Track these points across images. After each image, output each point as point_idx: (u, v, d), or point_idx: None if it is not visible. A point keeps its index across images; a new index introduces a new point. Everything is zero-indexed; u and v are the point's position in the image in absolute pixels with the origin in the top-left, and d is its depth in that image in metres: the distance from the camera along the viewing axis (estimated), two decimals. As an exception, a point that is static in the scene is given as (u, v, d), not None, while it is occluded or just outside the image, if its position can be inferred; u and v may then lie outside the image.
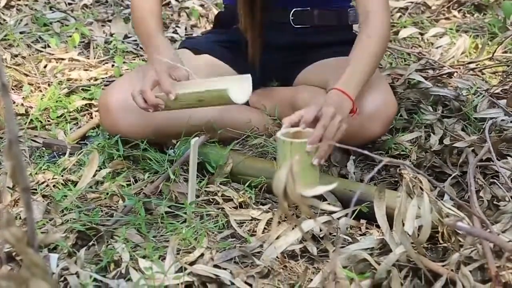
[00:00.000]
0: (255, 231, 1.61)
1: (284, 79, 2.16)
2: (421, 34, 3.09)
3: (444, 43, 2.91)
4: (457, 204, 1.55)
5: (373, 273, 1.39)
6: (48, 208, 1.66)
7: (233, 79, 1.84)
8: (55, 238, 1.38)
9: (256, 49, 2.06)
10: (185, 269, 1.39)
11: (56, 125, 2.14)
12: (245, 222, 1.65)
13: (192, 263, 1.43)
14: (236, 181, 1.83)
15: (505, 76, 2.53)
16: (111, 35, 2.92)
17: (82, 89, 2.38)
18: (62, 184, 1.79)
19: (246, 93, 1.75)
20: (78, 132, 2.08)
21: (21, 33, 2.83)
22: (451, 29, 3.07)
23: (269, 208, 1.69)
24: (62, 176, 1.83)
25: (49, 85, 2.41)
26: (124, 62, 2.62)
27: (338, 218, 1.63)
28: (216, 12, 2.92)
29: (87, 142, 2.05)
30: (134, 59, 2.73)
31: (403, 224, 1.40)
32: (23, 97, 2.30)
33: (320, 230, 1.56)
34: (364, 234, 1.63)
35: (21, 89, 2.35)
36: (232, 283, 1.36)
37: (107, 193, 1.73)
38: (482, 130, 1.99)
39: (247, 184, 1.78)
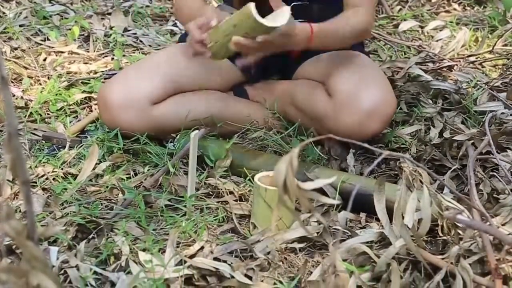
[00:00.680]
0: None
1: (284, 73, 2.16)
2: (421, 27, 3.09)
3: (444, 36, 2.90)
4: (456, 197, 1.55)
5: (372, 266, 1.39)
6: (48, 201, 1.66)
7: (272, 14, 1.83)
8: (55, 231, 1.39)
9: None
10: (185, 262, 1.39)
11: (56, 118, 2.14)
12: (245, 215, 1.65)
13: (192, 256, 1.44)
14: (235, 174, 1.83)
15: (505, 69, 2.52)
16: (111, 28, 2.91)
17: (82, 82, 2.38)
18: (62, 177, 1.79)
19: (281, 20, 1.73)
20: (78, 125, 2.08)
21: (20, 26, 2.83)
22: (451, 22, 3.07)
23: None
24: (62, 169, 1.82)
25: (48, 78, 2.40)
26: (123, 55, 2.62)
27: (338, 211, 1.64)
28: (216, 6, 2.91)
29: (87, 135, 2.04)
30: (134, 52, 2.72)
31: (403, 217, 1.40)
32: (22, 90, 2.29)
33: (320, 224, 1.56)
34: (364, 227, 1.63)
35: (21, 82, 2.35)
36: (232, 276, 1.37)
37: (107, 186, 1.73)
38: (482, 123, 1.99)
39: (248, 178, 1.78)
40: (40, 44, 2.69)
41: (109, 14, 3.06)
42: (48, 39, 2.74)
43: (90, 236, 1.52)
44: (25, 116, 2.11)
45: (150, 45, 2.78)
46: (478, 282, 1.31)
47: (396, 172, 1.85)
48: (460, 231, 1.44)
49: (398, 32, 2.97)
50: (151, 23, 3.02)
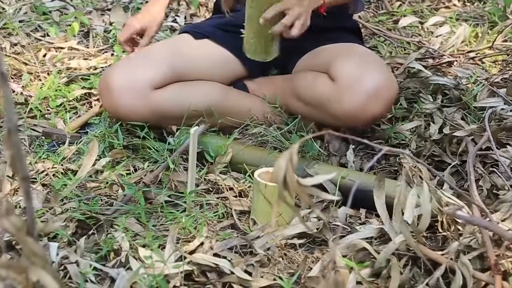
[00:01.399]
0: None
1: (283, 67, 2.16)
2: (421, 23, 3.08)
3: (444, 32, 2.90)
4: (456, 193, 1.55)
5: (372, 262, 1.39)
6: (48, 197, 1.66)
7: None
8: (54, 227, 1.39)
9: None
10: (185, 258, 1.40)
11: (56, 114, 2.14)
12: (244, 211, 1.65)
13: (191, 252, 1.44)
14: (235, 170, 1.83)
15: (505, 65, 2.52)
16: (111, 24, 2.91)
17: (82, 78, 2.38)
18: (61, 173, 1.79)
19: None
20: (78, 121, 2.08)
21: (20, 21, 2.82)
22: (451, 18, 3.07)
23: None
24: (62, 165, 1.83)
25: (48, 74, 2.40)
26: (123, 51, 2.62)
27: (338, 207, 1.64)
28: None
29: (87, 130, 2.05)
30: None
31: (403, 213, 1.40)
32: (22, 86, 2.29)
33: (319, 219, 1.56)
34: (363, 223, 1.63)
35: (21, 78, 2.35)
36: (232, 272, 1.37)
37: (107, 182, 1.73)
38: (482, 119, 1.99)
39: (247, 174, 1.78)
40: (40, 40, 2.69)
41: (109, 10, 3.06)
42: (48, 35, 2.74)
43: (90, 232, 1.52)
44: (25, 112, 2.11)
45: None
46: (478, 278, 1.31)
47: (396, 168, 1.85)
48: (459, 227, 1.44)
49: (398, 28, 2.97)
50: (150, 19, 3.02)
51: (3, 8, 2.95)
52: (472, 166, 1.63)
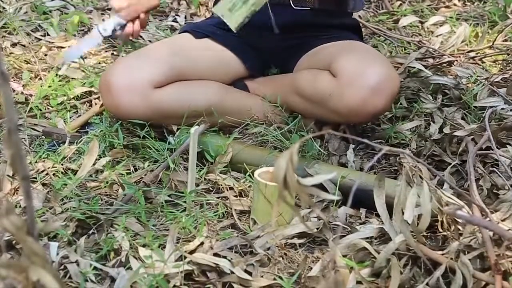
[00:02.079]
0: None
1: (284, 66, 2.16)
2: (421, 22, 3.08)
3: (444, 32, 2.89)
4: (456, 192, 1.55)
5: (372, 261, 1.39)
6: (48, 196, 1.66)
7: None
8: (55, 226, 1.39)
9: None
10: (185, 257, 1.40)
11: (56, 113, 2.14)
12: (245, 211, 1.65)
13: (192, 252, 1.44)
14: (236, 170, 1.83)
15: (505, 65, 2.52)
16: (111, 23, 2.90)
17: (82, 77, 2.38)
18: (62, 172, 1.79)
19: None
20: (78, 121, 2.08)
21: (21, 21, 2.82)
22: (451, 17, 3.07)
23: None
24: (62, 164, 1.83)
25: (48, 72, 2.40)
26: (124, 51, 2.62)
27: (338, 207, 1.64)
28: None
29: (88, 130, 2.05)
30: (131, 49, 2.72)
31: (403, 213, 1.40)
32: (23, 85, 2.29)
33: (319, 219, 1.56)
34: (363, 223, 1.63)
35: (21, 78, 2.35)
36: (232, 272, 1.37)
37: (107, 182, 1.73)
38: (482, 118, 1.99)
39: (248, 173, 1.78)
40: (40, 39, 2.69)
41: (109, 9, 3.05)
42: (48, 34, 2.73)
43: (90, 232, 1.52)
44: (25, 111, 2.11)
45: (150, 40, 2.77)
46: (478, 278, 1.31)
47: (396, 168, 1.85)
48: (460, 227, 1.44)
49: (398, 27, 2.97)
50: (151, 18, 3.02)
51: (4, 8, 2.95)
52: (472, 165, 1.62)
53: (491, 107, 2.03)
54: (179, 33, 2.22)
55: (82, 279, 1.35)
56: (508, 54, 2.59)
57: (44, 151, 1.90)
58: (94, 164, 1.80)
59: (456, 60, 2.54)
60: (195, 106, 1.93)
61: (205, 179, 1.78)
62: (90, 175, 1.78)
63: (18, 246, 1.41)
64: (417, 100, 2.17)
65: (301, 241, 1.52)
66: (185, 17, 3.10)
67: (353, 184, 1.64)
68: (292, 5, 2.07)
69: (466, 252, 1.35)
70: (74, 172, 1.79)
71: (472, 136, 1.85)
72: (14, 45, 2.61)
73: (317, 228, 1.53)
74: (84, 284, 1.34)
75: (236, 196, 1.71)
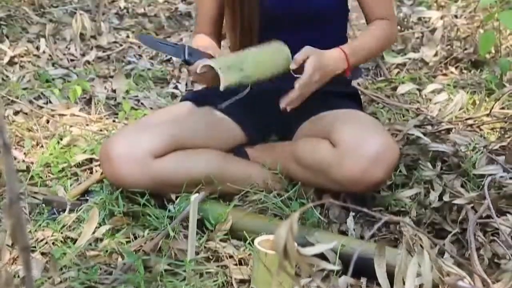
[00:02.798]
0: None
1: (284, 134, 2.17)
2: (419, 90, 3.11)
3: (442, 99, 2.92)
4: (457, 262, 1.54)
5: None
6: (47, 266, 1.65)
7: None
8: (53, 297, 1.37)
9: None
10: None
11: (57, 181, 2.14)
12: (244, 280, 1.64)
13: (191, 322, 1.42)
14: (236, 238, 1.82)
15: (503, 133, 2.54)
16: (113, 91, 2.95)
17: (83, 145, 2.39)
18: (61, 241, 1.79)
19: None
20: (78, 189, 2.08)
21: (23, 89, 2.86)
22: (448, 85, 3.10)
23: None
24: (62, 233, 1.82)
25: (50, 139, 2.42)
26: (126, 118, 2.65)
27: (339, 276, 1.63)
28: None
29: (87, 198, 2.05)
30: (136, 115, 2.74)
31: (404, 282, 1.39)
32: (24, 153, 2.30)
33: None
34: (364, 293, 1.62)
35: (23, 146, 2.36)
36: None
37: (106, 251, 1.72)
38: (481, 186, 1.99)
39: (248, 241, 1.77)
40: (42, 107, 2.72)
41: (111, 77, 3.10)
42: (50, 102, 2.77)
43: (89, 302, 1.50)
44: (26, 179, 2.12)
45: (151, 107, 2.80)
46: None
47: (396, 236, 1.85)
48: (461, 297, 1.43)
49: (397, 94, 3.00)
50: (152, 86, 3.06)
51: (7, 76, 2.99)
52: (473, 234, 1.62)
53: (490, 175, 2.03)
54: (180, 101, 2.24)
55: None
56: (506, 122, 2.61)
57: (44, 219, 1.90)
58: (93, 233, 1.79)
59: (454, 128, 2.56)
60: (195, 174, 1.94)
61: (205, 247, 1.77)
62: (90, 244, 1.77)
63: (16, 317, 1.40)
64: (416, 167, 2.18)
65: (302, 311, 1.50)
66: (186, 84, 3.14)
67: (353, 252, 1.63)
68: (292, 72, 2.09)
69: (468, 323, 1.34)
70: (74, 240, 1.79)
71: (472, 204, 1.85)
72: (16, 113, 2.64)
73: (318, 298, 1.52)
74: None
75: (236, 264, 1.70)
